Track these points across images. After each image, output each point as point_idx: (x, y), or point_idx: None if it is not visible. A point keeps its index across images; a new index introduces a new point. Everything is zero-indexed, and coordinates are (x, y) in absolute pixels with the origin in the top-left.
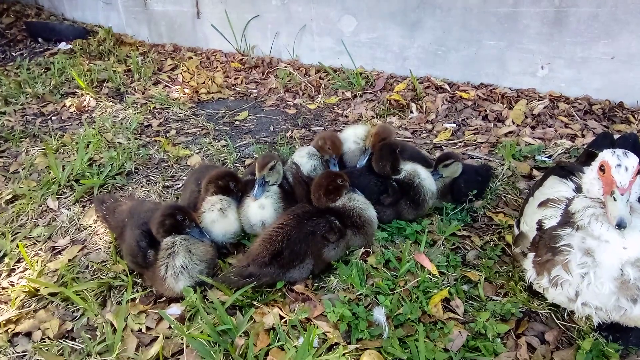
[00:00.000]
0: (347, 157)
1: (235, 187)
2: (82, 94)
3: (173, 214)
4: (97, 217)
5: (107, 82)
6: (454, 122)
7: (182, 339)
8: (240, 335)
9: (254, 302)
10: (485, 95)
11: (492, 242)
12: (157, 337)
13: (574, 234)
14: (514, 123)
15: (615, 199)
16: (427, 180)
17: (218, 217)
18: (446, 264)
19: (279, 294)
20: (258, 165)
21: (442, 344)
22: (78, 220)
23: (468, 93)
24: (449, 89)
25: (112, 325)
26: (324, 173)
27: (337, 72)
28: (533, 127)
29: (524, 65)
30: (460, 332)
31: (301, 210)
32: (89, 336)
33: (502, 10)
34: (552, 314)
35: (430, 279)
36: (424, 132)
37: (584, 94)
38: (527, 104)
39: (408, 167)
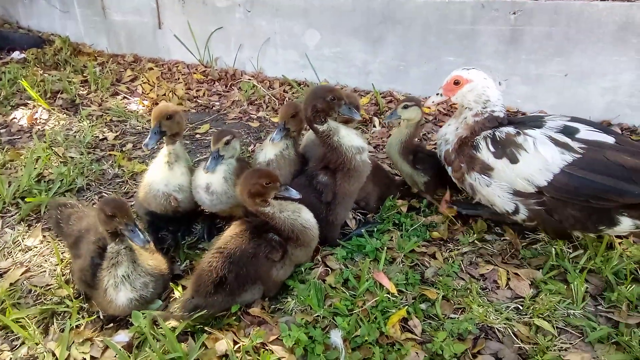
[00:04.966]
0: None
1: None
2: (34, 106)
3: (111, 214)
4: (48, 223)
5: (61, 93)
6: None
7: None
8: None
9: (206, 328)
10: (445, 110)
11: (450, 259)
12: None
13: None
14: None
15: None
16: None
17: (162, 167)
18: (405, 282)
19: (234, 317)
20: (213, 138)
21: None
22: (22, 241)
23: (429, 108)
24: None
25: (53, 355)
26: (251, 171)
27: (302, 86)
28: None
29: None
30: (417, 353)
31: (239, 230)
32: None
33: (460, 28)
34: (509, 329)
35: (389, 298)
36: None
37: (539, 109)
38: None
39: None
